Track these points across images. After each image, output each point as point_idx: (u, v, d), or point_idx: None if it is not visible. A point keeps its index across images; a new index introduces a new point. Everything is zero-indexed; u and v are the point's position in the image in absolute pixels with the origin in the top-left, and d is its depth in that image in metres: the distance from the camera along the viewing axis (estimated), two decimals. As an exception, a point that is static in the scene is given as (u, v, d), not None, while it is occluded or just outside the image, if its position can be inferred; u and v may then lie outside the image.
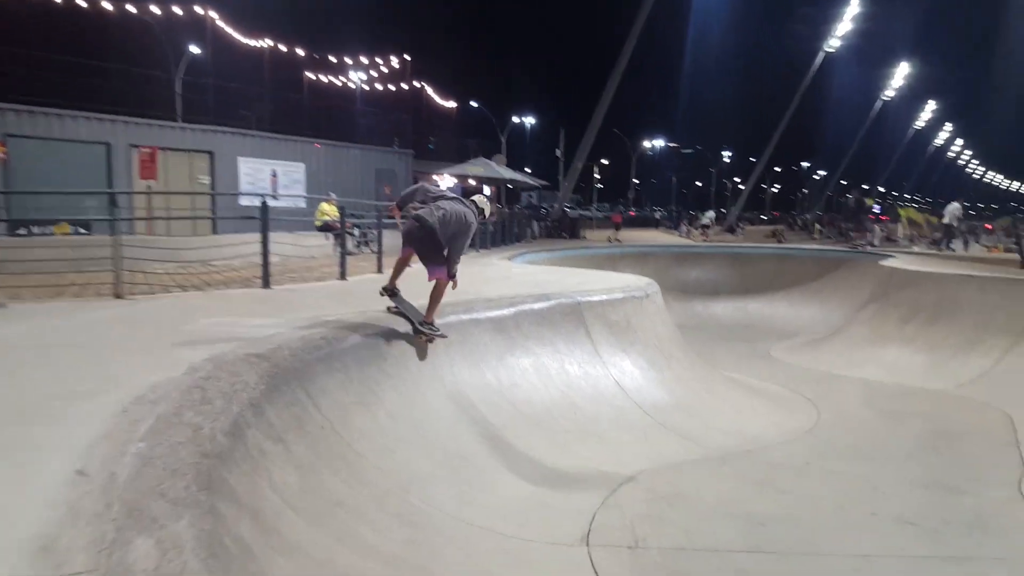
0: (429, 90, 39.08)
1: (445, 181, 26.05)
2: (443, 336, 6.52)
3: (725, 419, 8.49)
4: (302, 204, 21.10)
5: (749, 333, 17.38)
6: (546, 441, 6.71)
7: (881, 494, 6.44)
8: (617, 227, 30.34)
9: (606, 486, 6.12)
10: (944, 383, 11.03)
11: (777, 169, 63.21)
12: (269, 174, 23.57)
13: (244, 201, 20.17)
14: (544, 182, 32.24)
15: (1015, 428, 8.67)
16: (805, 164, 72.89)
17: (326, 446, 4.53)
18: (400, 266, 6.57)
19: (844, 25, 36.37)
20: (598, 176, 49.78)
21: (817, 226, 35.29)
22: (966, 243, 24.48)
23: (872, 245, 24.09)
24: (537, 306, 7.99)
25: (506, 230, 21.97)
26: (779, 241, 29.53)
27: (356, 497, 4.35)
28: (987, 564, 4.99)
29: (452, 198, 6.33)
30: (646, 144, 54.42)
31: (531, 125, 46.98)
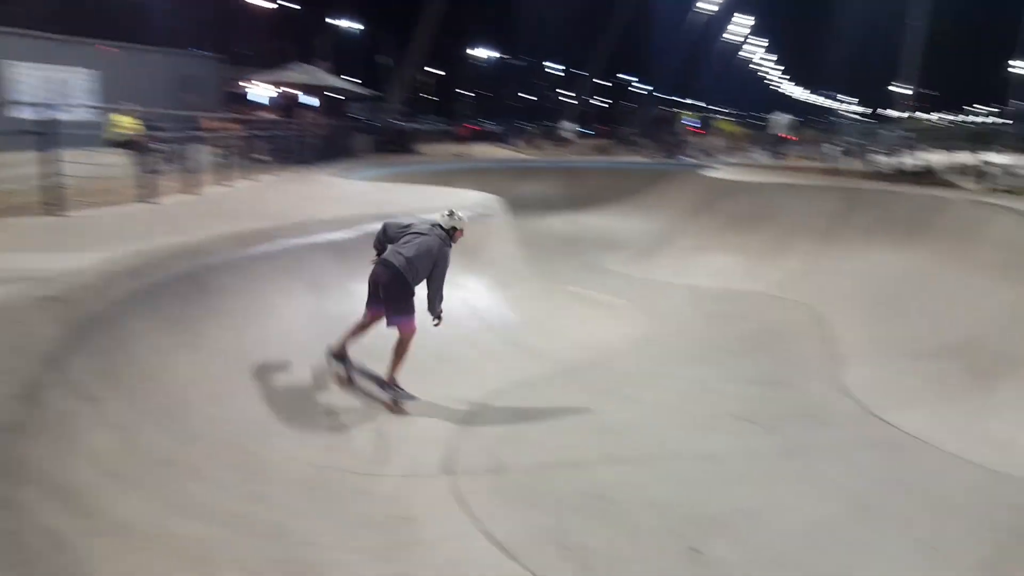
0: (241, -11, 35.24)
1: (260, 88, 23.85)
2: (413, 398, 5.79)
3: (572, 333, 8.61)
4: (93, 116, 18.43)
5: (585, 246, 17.83)
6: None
7: (719, 394, 6.83)
8: (464, 141, 29.70)
9: (464, 411, 5.97)
10: (763, 285, 11.92)
11: (606, 84, 64.72)
12: (51, 81, 20.30)
13: (23, 112, 17.23)
14: (374, 92, 30.60)
15: (828, 323, 9.56)
16: (630, 78, 75.24)
17: (146, 399, 3.94)
18: (358, 330, 5.81)
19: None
20: (429, 88, 48.31)
21: (642, 140, 36.68)
22: (775, 153, 26.44)
23: (690, 157, 25.41)
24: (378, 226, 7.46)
25: (332, 144, 20.61)
26: (606, 154, 30.37)
27: (187, 454, 3.85)
28: (820, 453, 5.43)
29: (415, 232, 5.78)
30: (478, 54, 53.35)
31: (358, 30, 44.17)
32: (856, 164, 18.24)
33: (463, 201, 9.30)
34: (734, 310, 10.57)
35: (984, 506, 4.57)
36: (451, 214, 6.10)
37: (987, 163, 15.53)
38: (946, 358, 7.13)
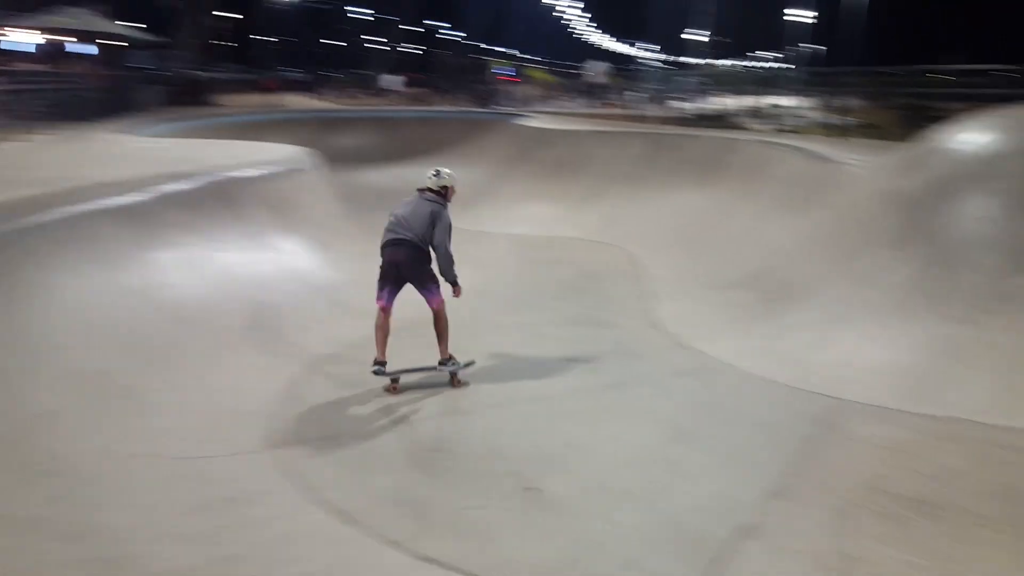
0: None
1: (19, 35, 20.63)
2: (471, 363, 5.91)
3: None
4: None
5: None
6: (210, 342, 5.94)
7: (544, 337, 7.06)
8: (271, 92, 27.77)
9: (287, 379, 5.69)
10: (581, 231, 12.40)
11: (415, 30, 63.20)
12: None
13: None
14: (162, 38, 27.66)
15: (639, 262, 10.16)
16: (439, 25, 74.10)
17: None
18: (384, 331, 5.75)
19: None
20: (226, 34, 44.50)
21: (456, 89, 36.44)
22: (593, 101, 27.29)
23: (504, 106, 25.64)
24: (177, 187, 6.83)
25: (115, 98, 18.35)
26: (422, 104, 29.89)
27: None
28: (639, 384, 5.83)
29: (404, 203, 5.81)
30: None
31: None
32: (658, 110, 19.34)
33: (271, 155, 8.72)
34: (556, 256, 10.92)
35: (782, 419, 5.09)
36: (437, 173, 5.96)
37: (773, 106, 17.06)
38: (744, 288, 7.86)
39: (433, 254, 5.74)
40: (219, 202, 7.21)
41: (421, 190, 5.93)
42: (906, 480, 4.18)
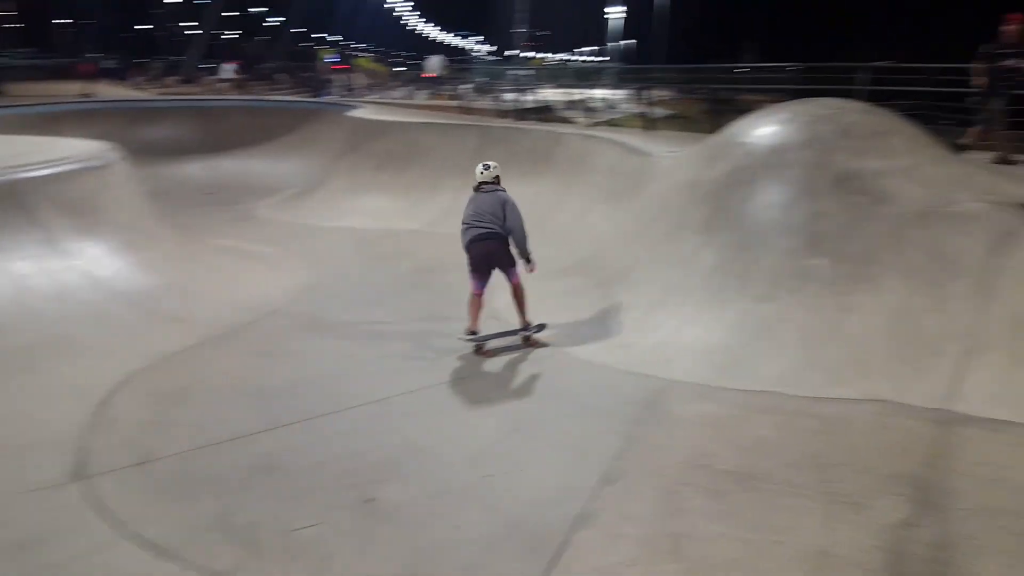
0: None
1: None
2: (544, 325, 6.63)
3: (224, 292, 7.95)
4: None
5: (230, 194, 16.53)
6: (2, 365, 5.38)
7: (384, 336, 6.93)
8: (89, 79, 24.98)
9: (94, 400, 5.20)
10: (418, 223, 12.29)
11: (231, 14, 59.53)
12: None
13: None
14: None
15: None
16: (262, 9, 70.38)
17: None
18: (478, 307, 6.42)
19: None
20: (11, 15, 39.53)
21: (282, 77, 34.81)
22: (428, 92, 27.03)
23: (334, 96, 24.84)
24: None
25: None
26: (246, 92, 28.28)
27: None
28: (479, 378, 5.92)
29: (471, 201, 6.58)
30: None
31: None
32: (488, 102, 19.57)
33: (65, 151, 7.86)
34: (393, 250, 10.74)
35: (614, 403, 5.29)
36: (487, 167, 6.72)
37: (594, 99, 17.81)
38: (574, 274, 8.15)
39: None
40: (5, 206, 6.43)
41: (480, 185, 6.64)
42: (727, 455, 4.45)
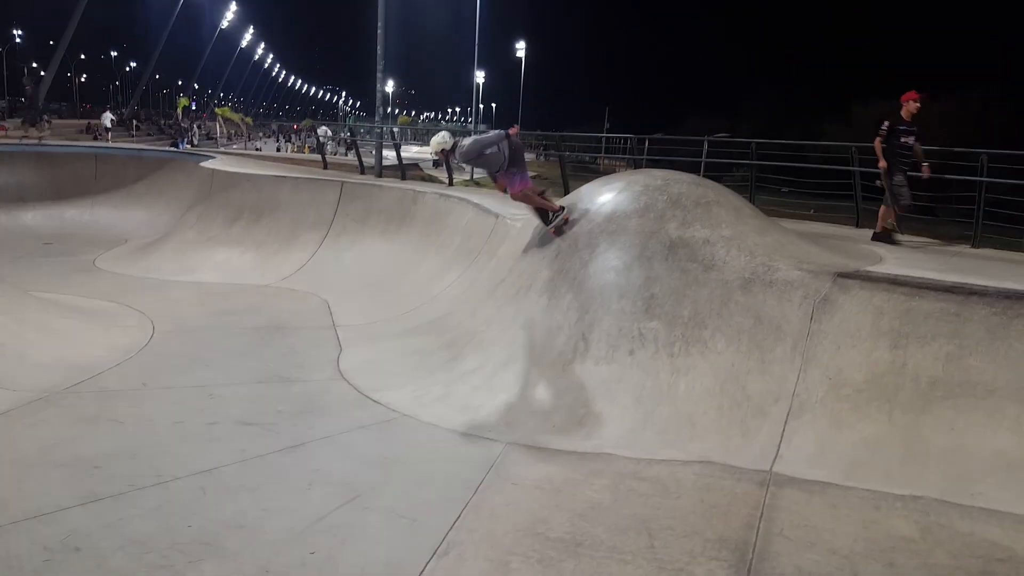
0: None
1: None
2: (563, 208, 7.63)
3: (45, 352, 7.35)
4: None
5: (70, 244, 15.47)
6: None
7: (220, 400, 6.59)
8: None
9: None
10: (271, 277, 12.00)
11: (83, 56, 56.57)
12: None
13: None
14: None
15: (331, 310, 10.09)
16: (114, 53, 67.21)
17: None
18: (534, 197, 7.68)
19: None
20: None
21: (135, 122, 33.25)
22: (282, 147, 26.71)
23: (192, 144, 24.03)
24: None
25: None
26: (95, 137, 26.76)
27: None
28: (317, 444, 5.63)
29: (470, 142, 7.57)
30: None
31: None
32: (351, 157, 19.62)
33: None
34: (242, 305, 10.38)
35: (453, 468, 5.21)
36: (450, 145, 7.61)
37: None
38: (425, 334, 8.17)
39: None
40: None
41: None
42: (560, 521, 4.44)
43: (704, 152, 11.46)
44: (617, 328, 6.35)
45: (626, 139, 14.61)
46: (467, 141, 7.60)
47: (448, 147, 7.55)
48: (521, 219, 8.78)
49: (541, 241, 7.62)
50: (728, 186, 8.77)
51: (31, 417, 5.89)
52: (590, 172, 12.19)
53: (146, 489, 4.78)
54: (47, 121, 32.25)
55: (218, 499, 4.70)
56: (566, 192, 12.61)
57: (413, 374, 7.15)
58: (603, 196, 7.60)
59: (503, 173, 7.56)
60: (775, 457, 5.22)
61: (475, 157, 7.57)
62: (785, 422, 5.44)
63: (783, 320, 5.98)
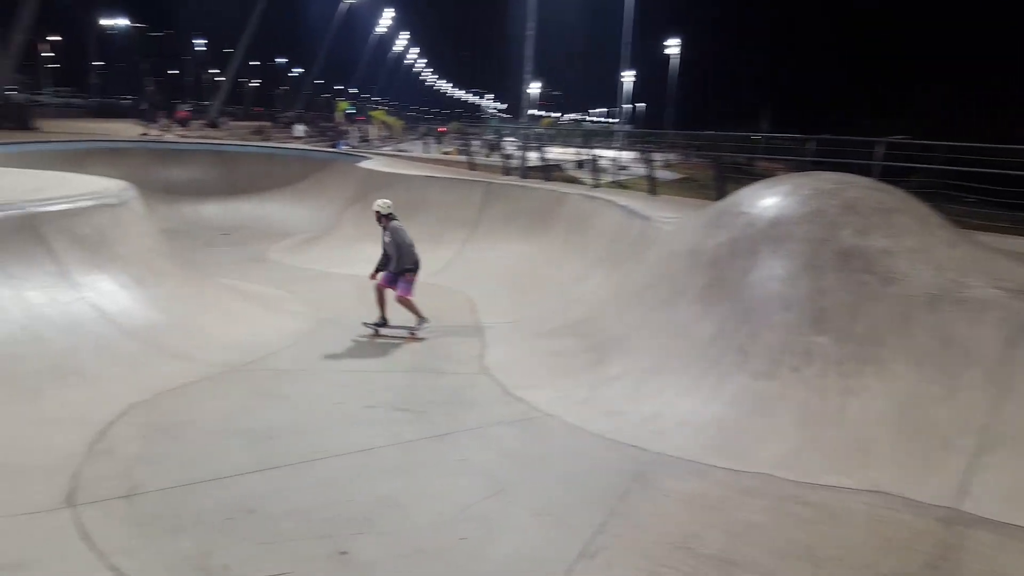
0: None
1: None
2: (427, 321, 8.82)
3: (226, 332, 8.07)
4: None
5: (243, 236, 16.88)
6: (8, 389, 5.49)
7: (375, 385, 6.98)
8: (182, 123, 25.73)
9: (92, 430, 5.29)
10: (421, 273, 12.47)
11: (255, 63, 61.46)
12: None
13: None
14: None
15: (475, 307, 10.37)
16: (282, 60, 72.51)
17: None
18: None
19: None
20: (50, 55, 41.04)
21: (301, 125, 35.70)
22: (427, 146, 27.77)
23: (349, 146, 25.48)
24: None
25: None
26: (266, 139, 29.01)
27: None
28: (463, 436, 5.81)
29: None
30: (106, 22, 46.57)
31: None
32: (495, 158, 20.04)
33: (83, 188, 8.14)
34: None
35: (598, 472, 5.16)
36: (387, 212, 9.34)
37: (602, 160, 18.19)
38: (568, 335, 8.19)
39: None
40: (22, 237, 6.63)
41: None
42: (714, 538, 4.26)
43: (877, 155, 10.56)
44: (780, 341, 5.93)
45: (788, 140, 13.85)
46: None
47: (383, 212, 9.18)
48: (672, 223, 8.61)
49: (696, 246, 7.39)
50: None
51: (215, 389, 6.50)
52: (746, 175, 11.64)
53: (312, 462, 5.15)
54: (225, 122, 35.39)
55: (375, 478, 4.98)
56: (720, 196, 12.21)
57: (556, 374, 7.17)
58: (766, 200, 7.16)
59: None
60: (962, 494, 4.67)
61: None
62: (975, 456, 4.85)
63: (975, 344, 5.31)
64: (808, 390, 5.59)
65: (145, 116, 22.63)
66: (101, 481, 4.58)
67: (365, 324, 8.78)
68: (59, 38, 45.45)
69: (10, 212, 6.61)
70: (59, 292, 6.65)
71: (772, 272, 6.46)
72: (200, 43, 59.51)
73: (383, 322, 8.78)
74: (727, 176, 12.50)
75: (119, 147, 19.28)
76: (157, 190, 16.86)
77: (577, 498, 4.78)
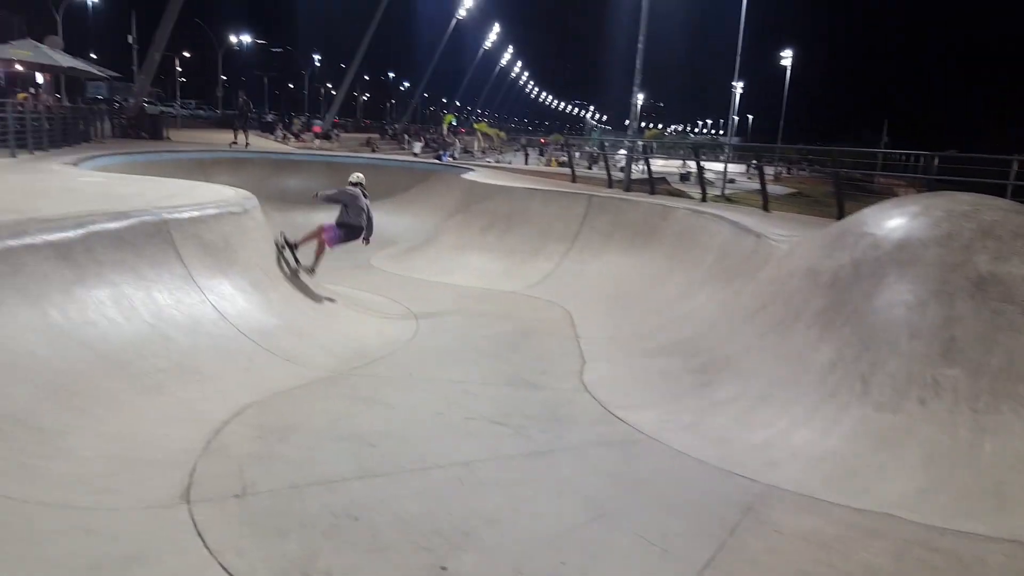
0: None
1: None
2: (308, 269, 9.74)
3: (333, 336, 8.34)
4: None
5: (351, 243, 17.44)
6: (133, 384, 5.76)
7: (474, 397, 6.98)
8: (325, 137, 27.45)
9: (209, 428, 5.50)
10: (518, 285, 12.53)
11: (366, 77, 63.86)
12: None
13: None
14: (114, 73, 27.33)
15: (573, 321, 10.27)
16: (392, 74, 75.03)
17: None
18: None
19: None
20: (180, 69, 44.30)
21: (406, 136, 36.76)
22: (527, 157, 27.92)
23: (453, 157, 25.95)
24: (113, 226, 6.63)
25: (69, 128, 17.97)
26: (373, 150, 30.01)
27: None
28: (564, 454, 5.70)
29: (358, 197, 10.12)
30: (232, 39, 49.75)
31: (94, 3, 39.40)
32: (597, 170, 19.89)
33: (213, 197, 8.62)
34: (492, 310, 10.95)
35: (706, 503, 4.92)
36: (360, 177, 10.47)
37: (709, 173, 17.74)
38: (672, 355, 7.96)
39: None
40: (152, 241, 7.04)
41: (358, 186, 10.22)
42: None
43: (1011, 173, 9.73)
44: (905, 372, 5.51)
45: (911, 156, 12.98)
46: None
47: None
48: (787, 241, 8.22)
49: (814, 266, 7.01)
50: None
51: (322, 393, 6.68)
52: (863, 192, 11.00)
53: (412, 472, 5.17)
54: (337, 134, 36.86)
55: (474, 492, 4.93)
56: (840, 214, 11.61)
57: (659, 395, 6.98)
58: (893, 220, 6.75)
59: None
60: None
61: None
62: None
63: None
64: (936, 426, 5.17)
65: (235, 125, 23.69)
66: (215, 479, 4.74)
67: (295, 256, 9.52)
68: (188, 55, 48.77)
69: (145, 218, 7.03)
70: (184, 294, 7.03)
71: (898, 297, 6.06)
72: (316, 58, 62.53)
73: (294, 249, 9.53)
74: (847, 192, 11.85)
75: (240, 156, 20.37)
76: (273, 198, 17.72)
77: (684, 529, 4.57)
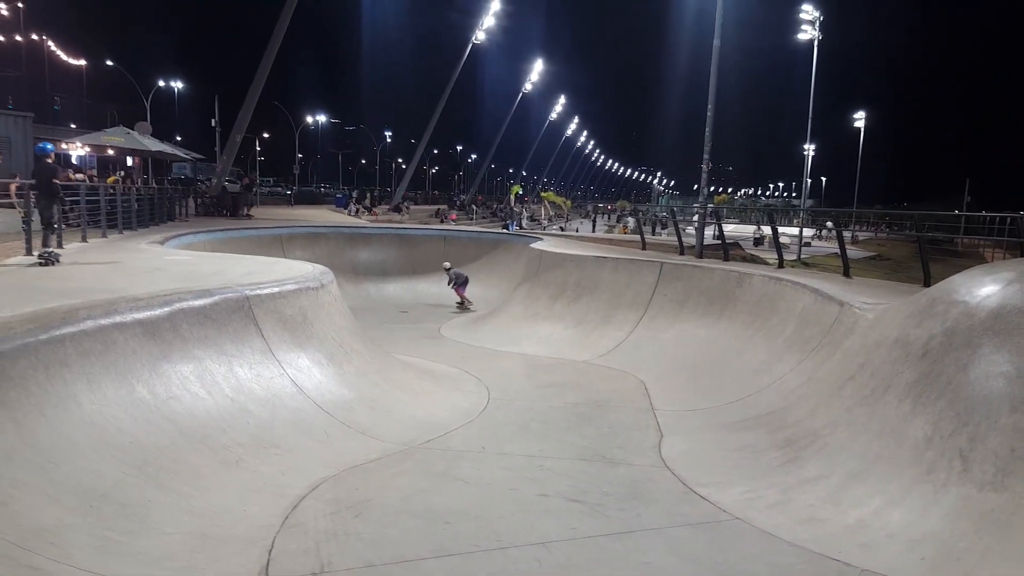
0: (52, 44, 32.65)
1: (78, 150, 22.33)
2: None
3: (405, 409, 8.37)
4: None
5: (420, 313, 17.74)
6: (214, 458, 5.89)
7: (549, 472, 6.82)
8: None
9: (286, 503, 5.55)
10: (589, 354, 12.37)
11: (435, 151, 66.12)
12: None
13: None
14: (197, 155, 29.26)
15: (648, 392, 10.03)
16: (459, 147, 77.50)
17: None
18: None
19: (489, 19, 38.73)
20: (259, 149, 47.09)
21: (474, 207, 37.60)
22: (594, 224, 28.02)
23: (521, 227, 26.31)
24: (198, 303, 6.93)
25: (155, 207, 19.20)
26: (442, 220, 30.74)
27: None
28: (644, 534, 5.48)
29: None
30: (308, 119, 52.69)
31: (180, 90, 42.59)
32: (667, 236, 19.74)
33: (287, 272, 8.94)
34: (563, 380, 10.82)
35: None
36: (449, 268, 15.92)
37: (784, 237, 17.37)
38: (754, 428, 7.65)
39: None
40: (237, 317, 7.31)
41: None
42: None
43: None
44: (1009, 448, 5.12)
45: (997, 219, 12.45)
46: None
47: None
48: (872, 309, 7.88)
49: (903, 336, 6.68)
50: None
51: (395, 467, 6.66)
52: (943, 253, 10.54)
53: (488, 552, 5.05)
54: (406, 207, 38.02)
55: (553, 574, 4.74)
56: (927, 279, 11.13)
57: (743, 472, 6.67)
58: (986, 288, 6.40)
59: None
60: None
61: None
62: None
63: None
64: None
65: (239, 201, 24.67)
66: (293, 556, 4.76)
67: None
68: (266, 135, 51.72)
69: (228, 295, 7.32)
70: (264, 368, 7.23)
71: (996, 368, 5.68)
72: (387, 134, 65.38)
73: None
74: (932, 257, 11.37)
75: (316, 231, 21.19)
76: (346, 270, 18.30)
77: (776, 619, 4.28)
